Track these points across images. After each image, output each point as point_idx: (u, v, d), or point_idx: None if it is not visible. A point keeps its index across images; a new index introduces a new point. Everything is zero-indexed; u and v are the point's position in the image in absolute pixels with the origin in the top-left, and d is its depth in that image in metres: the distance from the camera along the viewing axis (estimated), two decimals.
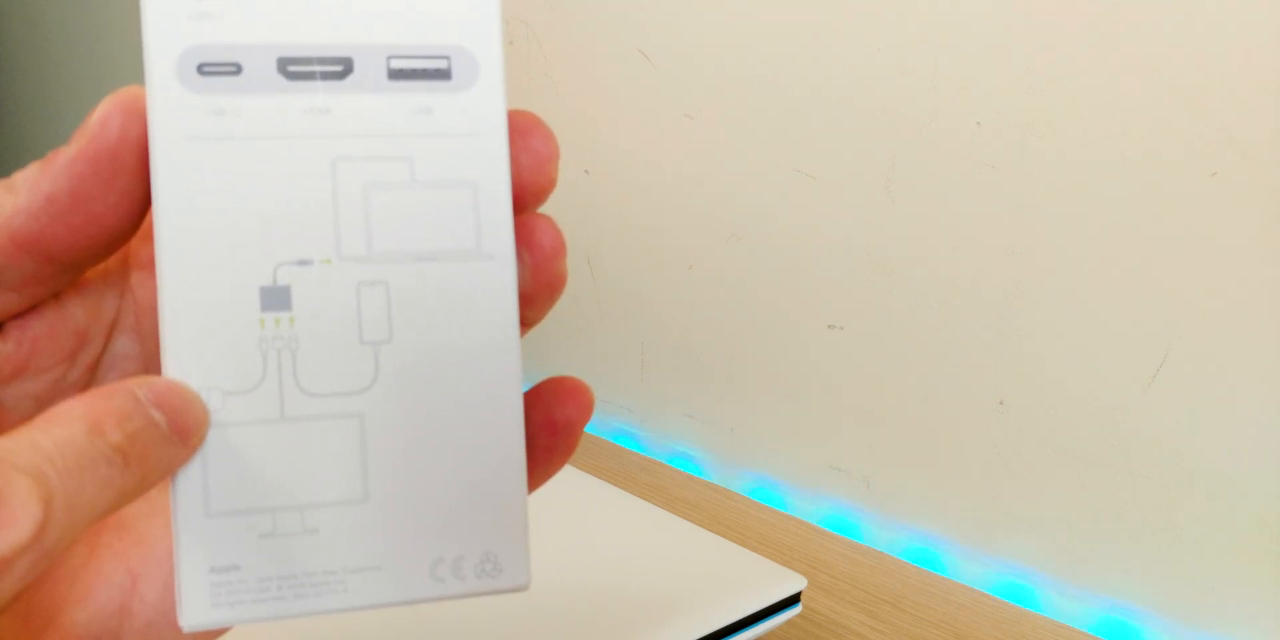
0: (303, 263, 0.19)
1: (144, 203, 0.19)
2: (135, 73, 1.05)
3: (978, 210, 0.48)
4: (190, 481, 0.18)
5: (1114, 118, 0.43)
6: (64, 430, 0.16)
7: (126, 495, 0.17)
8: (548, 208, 0.21)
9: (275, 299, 0.18)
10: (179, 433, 0.18)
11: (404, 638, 0.35)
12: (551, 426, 0.21)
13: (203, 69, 0.18)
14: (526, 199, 0.20)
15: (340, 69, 0.19)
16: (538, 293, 0.20)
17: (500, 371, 0.19)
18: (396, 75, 0.19)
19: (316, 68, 0.19)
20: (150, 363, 0.21)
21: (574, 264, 0.69)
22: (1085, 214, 0.45)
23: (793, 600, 0.42)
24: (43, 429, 0.16)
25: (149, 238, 0.20)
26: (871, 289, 0.53)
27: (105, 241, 0.19)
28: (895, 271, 0.52)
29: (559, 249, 0.20)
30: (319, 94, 0.19)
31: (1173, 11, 0.41)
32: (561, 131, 0.68)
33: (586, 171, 0.67)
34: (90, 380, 0.21)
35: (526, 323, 0.21)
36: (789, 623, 0.45)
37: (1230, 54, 0.40)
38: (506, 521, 0.19)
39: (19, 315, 0.20)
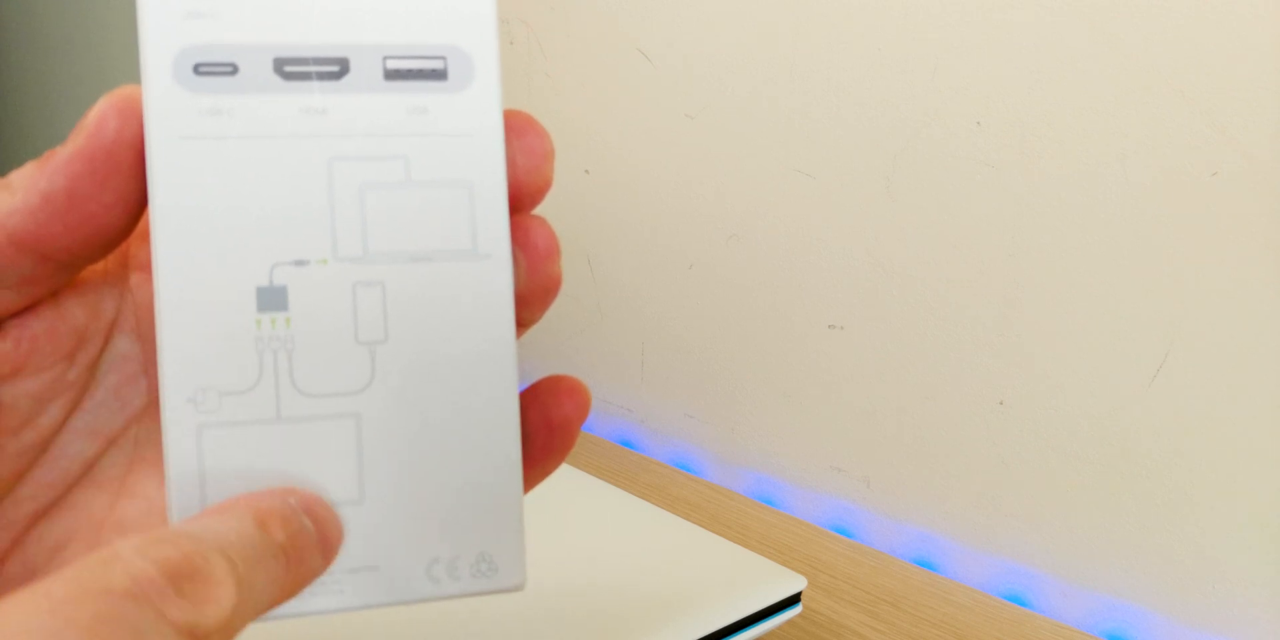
0: (299, 263, 0.19)
1: (140, 202, 0.19)
2: (132, 72, 1.05)
3: (978, 210, 0.48)
4: (186, 481, 0.18)
5: (1114, 117, 0.43)
6: (237, 523, 0.17)
7: (284, 594, 0.17)
8: (548, 207, 0.21)
9: (271, 299, 0.18)
10: (324, 543, 0.18)
11: (403, 638, 0.35)
12: (548, 425, 0.21)
13: (199, 69, 0.18)
14: (522, 199, 0.20)
15: (336, 69, 0.19)
16: (533, 294, 0.20)
17: (496, 372, 0.19)
18: (392, 75, 0.19)
19: (312, 68, 0.19)
20: (150, 364, 0.21)
21: (574, 264, 0.69)
22: (1085, 214, 0.45)
23: (793, 600, 0.42)
24: (217, 518, 0.17)
25: (148, 238, 0.20)
26: (871, 289, 0.53)
27: (102, 241, 0.19)
28: (895, 271, 0.52)
29: (554, 250, 0.20)
30: (315, 94, 0.19)
31: (1173, 11, 0.41)
32: (561, 131, 0.68)
33: (586, 171, 0.67)
34: (89, 380, 0.21)
35: (522, 323, 0.21)
36: (789, 623, 0.45)
37: (1230, 54, 0.40)
38: (502, 522, 0.19)
39: (17, 314, 0.20)
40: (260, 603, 0.17)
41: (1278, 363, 0.41)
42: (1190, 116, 0.41)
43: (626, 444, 0.69)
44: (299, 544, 0.17)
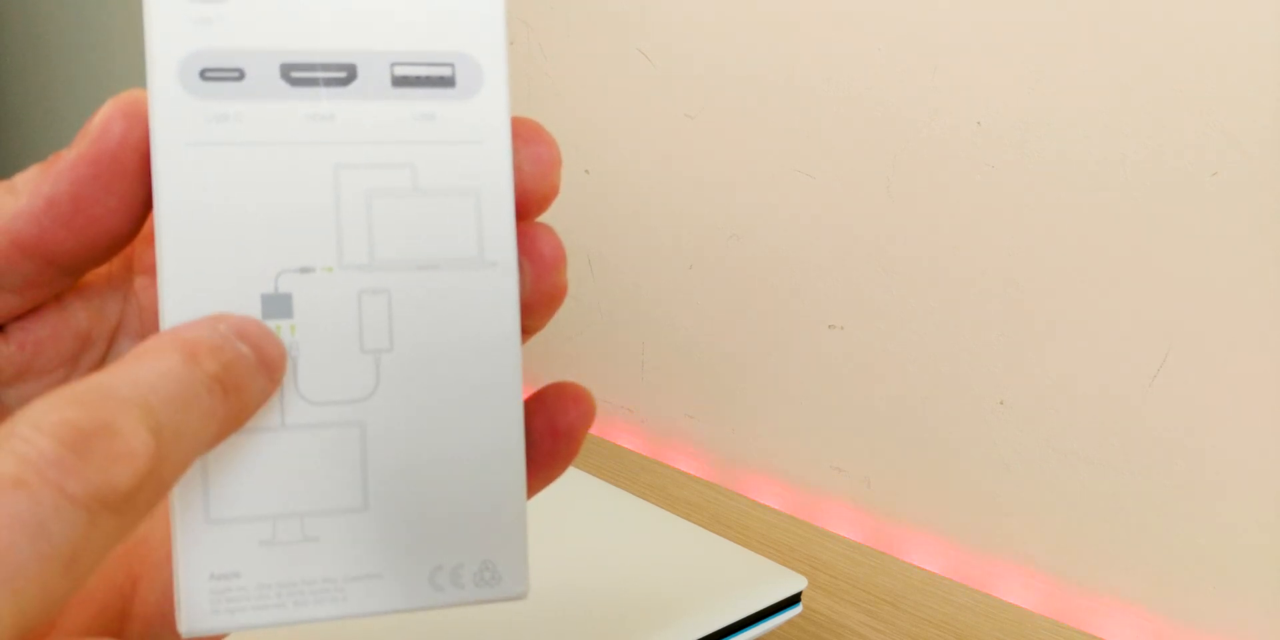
0: (304, 270, 0.18)
1: (145, 207, 0.19)
2: (137, 75, 1.05)
3: (978, 210, 0.48)
4: (190, 488, 0.18)
5: (1114, 118, 0.43)
6: (161, 362, 0.16)
7: (226, 427, 0.17)
8: (548, 209, 0.21)
9: (276, 306, 0.18)
10: (264, 365, 0.18)
11: (404, 638, 0.35)
12: (553, 433, 0.21)
13: (205, 74, 0.18)
14: (529, 207, 0.20)
15: (343, 75, 0.19)
16: (538, 302, 0.20)
17: (501, 381, 0.19)
18: (400, 82, 0.19)
19: (320, 74, 0.18)
20: None
21: (575, 264, 0.69)
22: (1085, 214, 0.45)
23: (793, 600, 0.42)
24: (138, 363, 0.16)
25: (152, 242, 0.20)
26: (871, 289, 0.54)
27: (106, 245, 0.19)
28: (895, 271, 0.52)
29: (560, 259, 0.20)
30: (322, 100, 0.18)
31: (1173, 11, 0.41)
32: (562, 131, 0.68)
33: (587, 171, 0.67)
34: None
35: (527, 331, 0.21)
36: (789, 623, 0.45)
37: (1230, 54, 0.40)
38: (506, 530, 0.19)
39: (21, 317, 0.20)
40: (196, 441, 0.16)
41: (1278, 363, 0.41)
42: (1190, 116, 0.41)
43: (626, 444, 0.69)
44: (236, 371, 0.17)
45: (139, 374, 0.16)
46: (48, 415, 0.14)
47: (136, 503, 0.15)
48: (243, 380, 0.17)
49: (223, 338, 0.17)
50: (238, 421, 0.17)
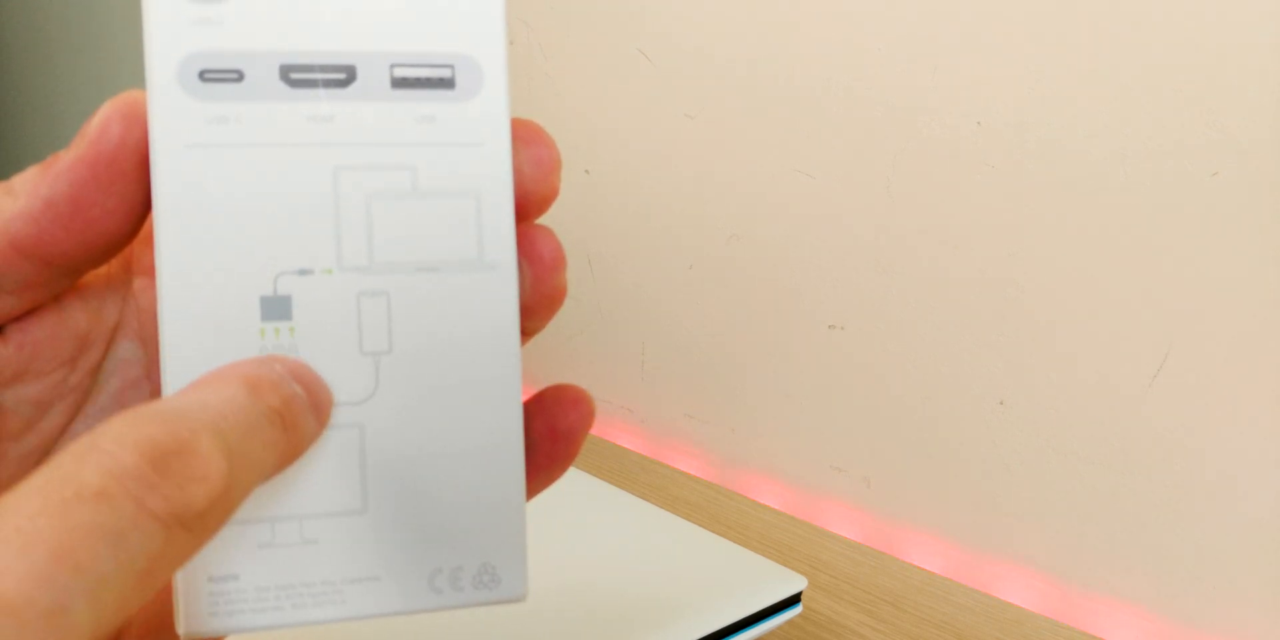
0: (304, 272, 0.18)
1: (143, 208, 0.19)
2: (137, 75, 1.05)
3: (978, 210, 0.48)
4: None
5: (1114, 117, 0.43)
6: (227, 391, 0.16)
7: (284, 461, 0.17)
8: (548, 210, 0.21)
9: (275, 308, 0.18)
10: (316, 407, 0.18)
11: (403, 638, 0.35)
12: (553, 435, 0.21)
13: (204, 75, 0.18)
14: (529, 209, 0.20)
15: (343, 77, 0.19)
16: (538, 304, 0.20)
17: (501, 383, 0.19)
18: (400, 84, 0.19)
19: (319, 75, 0.18)
20: (153, 368, 0.21)
21: (575, 263, 0.69)
22: (1085, 214, 0.45)
23: (793, 600, 0.42)
24: (207, 389, 0.16)
25: (151, 243, 0.20)
26: (871, 289, 0.54)
27: (104, 246, 0.19)
28: (895, 271, 0.52)
29: (559, 260, 0.20)
30: (321, 102, 0.18)
31: (1173, 11, 0.41)
32: (561, 131, 0.68)
33: (586, 171, 0.67)
34: (91, 384, 0.21)
35: (526, 333, 0.21)
36: (789, 623, 0.45)
37: (1230, 54, 0.40)
38: (505, 533, 0.19)
39: (19, 319, 0.20)
40: (259, 469, 0.16)
41: (1278, 363, 0.41)
42: (1190, 116, 0.41)
43: (626, 444, 0.69)
44: (293, 408, 0.17)
45: (208, 400, 0.16)
46: (131, 431, 0.14)
47: (208, 522, 0.15)
48: (299, 418, 0.17)
49: (280, 376, 0.17)
50: (293, 456, 0.17)
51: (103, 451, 0.14)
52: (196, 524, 0.15)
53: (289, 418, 0.17)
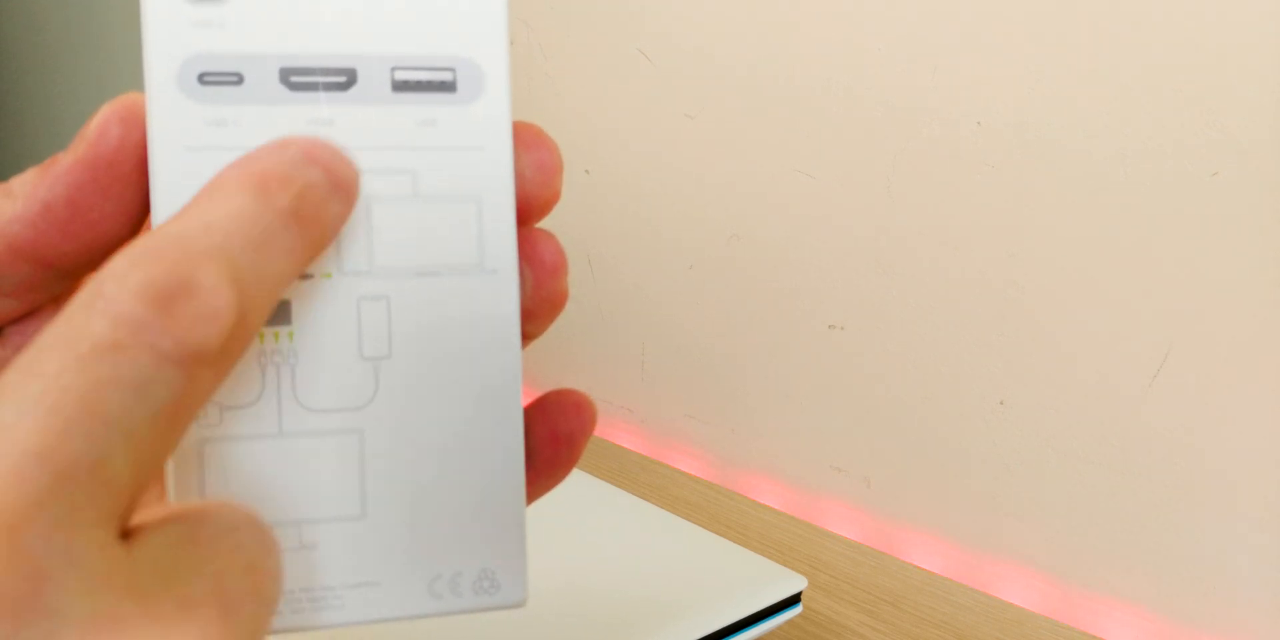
0: (303, 276, 0.18)
1: (142, 211, 0.19)
2: (137, 76, 1.05)
3: (978, 210, 0.48)
4: (187, 496, 0.18)
5: (1114, 118, 0.43)
6: (233, 202, 0.16)
7: (305, 260, 0.17)
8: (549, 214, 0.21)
9: (275, 313, 0.18)
10: (337, 188, 0.17)
11: (403, 637, 0.35)
12: (554, 440, 0.21)
13: (204, 78, 0.18)
14: (530, 213, 0.20)
15: (343, 80, 0.18)
16: (539, 309, 0.20)
17: (501, 388, 0.19)
18: (400, 87, 0.19)
19: (319, 79, 0.18)
20: None
21: (575, 264, 0.69)
22: (1085, 214, 0.45)
23: (793, 600, 0.42)
24: (210, 203, 0.16)
25: None
26: (871, 289, 0.53)
27: (103, 248, 0.19)
28: (895, 271, 0.52)
29: (561, 265, 0.20)
30: (321, 105, 0.18)
31: (1173, 11, 0.41)
32: (561, 131, 0.68)
33: (586, 171, 0.67)
34: None
35: (527, 337, 0.21)
36: (789, 623, 0.45)
37: (1230, 54, 0.40)
38: (505, 539, 0.19)
39: (18, 320, 0.20)
40: (278, 281, 0.16)
41: (1278, 363, 0.41)
42: (1190, 116, 0.41)
43: (626, 444, 0.69)
44: (310, 201, 0.16)
45: (212, 218, 0.15)
46: (133, 272, 0.14)
47: (230, 352, 0.15)
48: (318, 209, 0.17)
49: (291, 164, 0.17)
50: (316, 251, 0.17)
51: (105, 298, 0.14)
52: (218, 358, 0.15)
53: (306, 212, 0.16)
